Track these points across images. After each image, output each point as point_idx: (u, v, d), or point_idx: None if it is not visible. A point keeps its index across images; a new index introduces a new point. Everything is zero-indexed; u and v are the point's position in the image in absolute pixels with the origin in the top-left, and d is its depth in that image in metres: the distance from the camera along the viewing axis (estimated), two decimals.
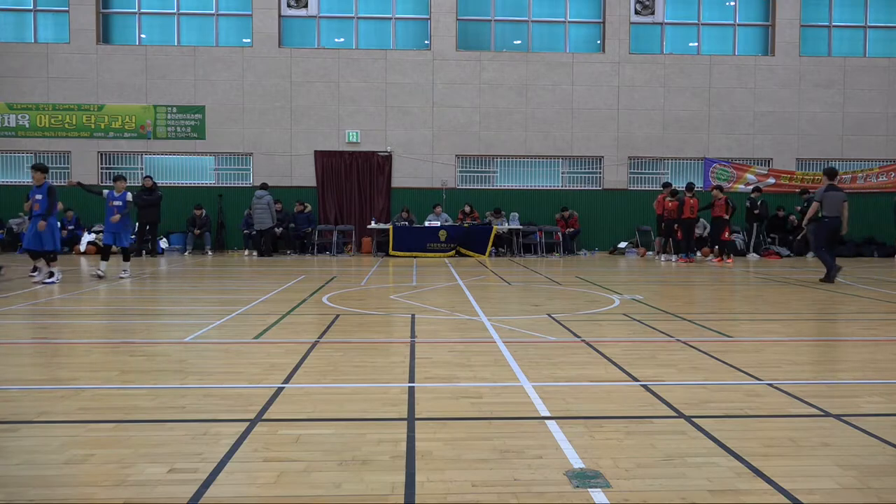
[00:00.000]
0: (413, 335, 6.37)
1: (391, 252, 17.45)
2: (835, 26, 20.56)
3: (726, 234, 16.63)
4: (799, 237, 18.89)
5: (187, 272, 13.36)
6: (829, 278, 11.51)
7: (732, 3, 20.49)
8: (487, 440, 3.43)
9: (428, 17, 19.87)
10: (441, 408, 4.00)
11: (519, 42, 20.34)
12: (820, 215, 11.72)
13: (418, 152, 19.71)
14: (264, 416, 3.79)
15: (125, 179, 12.12)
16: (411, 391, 4.35)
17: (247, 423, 3.64)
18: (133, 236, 17.63)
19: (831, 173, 11.85)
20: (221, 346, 5.92)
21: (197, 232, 18.52)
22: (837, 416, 3.83)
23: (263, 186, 17.89)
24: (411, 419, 3.75)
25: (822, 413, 3.91)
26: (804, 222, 12.44)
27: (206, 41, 19.72)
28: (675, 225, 16.81)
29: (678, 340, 6.16)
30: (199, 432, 3.50)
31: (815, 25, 20.49)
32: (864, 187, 20.27)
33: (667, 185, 17.43)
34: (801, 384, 4.59)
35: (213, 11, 19.69)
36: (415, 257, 17.15)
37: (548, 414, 3.86)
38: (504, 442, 3.39)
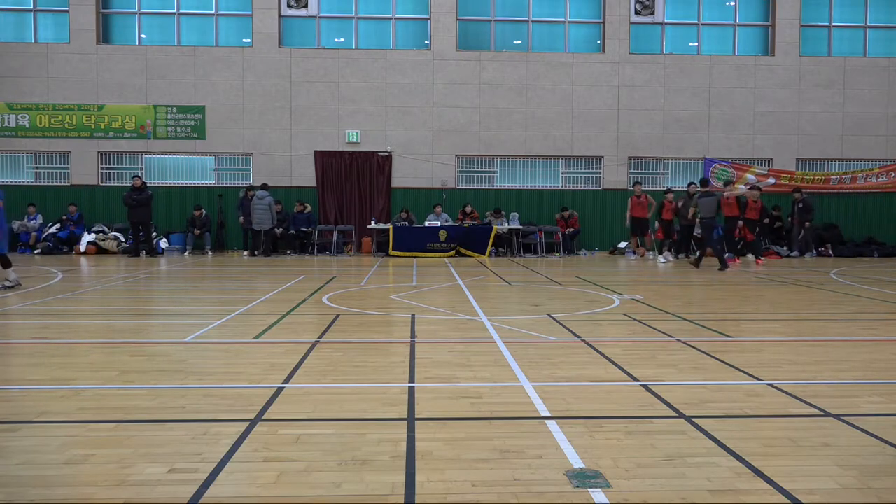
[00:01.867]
0: (413, 335, 6.37)
1: (391, 252, 17.44)
2: (835, 26, 20.55)
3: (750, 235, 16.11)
4: (800, 237, 18.92)
5: (187, 272, 13.36)
6: (697, 264, 14.53)
7: (732, 3, 20.48)
8: (487, 440, 3.43)
9: (428, 17, 19.86)
10: (441, 408, 4.00)
11: (519, 42, 20.33)
12: (699, 217, 14.60)
13: (418, 152, 19.71)
14: (264, 416, 3.79)
15: None
16: (411, 391, 4.35)
17: (247, 423, 3.64)
18: (131, 237, 17.64)
19: (704, 182, 15.26)
20: (221, 346, 5.92)
21: (197, 232, 18.52)
22: (837, 416, 3.83)
23: (264, 187, 17.92)
24: (411, 419, 3.75)
25: (822, 413, 3.92)
26: (696, 222, 14.82)
27: (206, 41, 19.72)
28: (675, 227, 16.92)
29: (678, 340, 6.17)
30: (199, 432, 3.50)
31: (815, 25, 20.48)
32: (865, 187, 20.26)
33: (637, 183, 18.09)
34: (801, 384, 4.59)
35: (213, 11, 19.69)
36: (415, 257, 17.15)
37: (548, 414, 3.86)
38: (504, 442, 3.39)
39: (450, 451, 3.27)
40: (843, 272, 13.77)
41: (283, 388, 4.41)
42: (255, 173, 19.61)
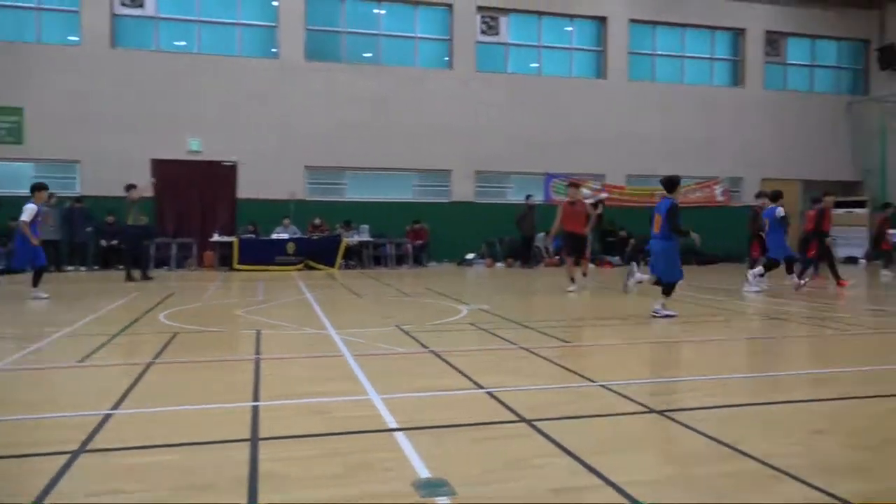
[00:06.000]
0: (258, 352, 6.14)
1: (236, 266, 16.77)
2: (658, 55, 22.52)
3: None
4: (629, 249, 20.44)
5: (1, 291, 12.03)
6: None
7: (570, 29, 21.82)
8: (336, 456, 3.38)
9: (275, 24, 19.40)
10: (288, 426, 3.89)
11: (370, 55, 20.38)
12: None
13: (266, 163, 19.09)
14: (89, 447, 3.48)
15: None
16: (256, 410, 4.19)
17: (68, 455, 3.32)
18: None
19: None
20: (39, 371, 5.38)
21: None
22: (661, 412, 4.16)
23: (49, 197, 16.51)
24: (255, 439, 3.61)
25: (648, 410, 4.23)
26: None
27: (25, 36, 17.96)
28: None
29: (521, 347, 6.42)
30: (11, 470, 3.15)
31: (641, 53, 22.30)
32: (685, 201, 22.26)
33: (573, 184, 13.43)
34: (630, 384, 4.94)
35: (34, 4, 17.99)
36: (261, 271, 16.60)
37: (396, 426, 3.87)
38: (353, 457, 3.36)
39: (297, 469, 3.19)
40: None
41: (113, 414, 4.08)
42: (83, 183, 18.08)
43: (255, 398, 4.50)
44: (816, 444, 3.65)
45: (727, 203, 22.40)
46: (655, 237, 9.10)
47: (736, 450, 3.46)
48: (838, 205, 16.27)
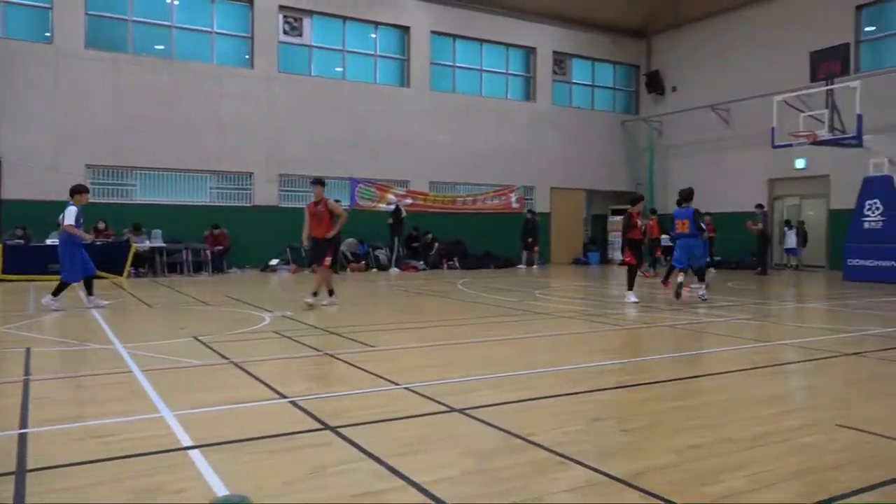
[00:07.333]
0: (28, 372, 5.47)
1: (1, 276, 14.81)
2: (458, 67, 23.49)
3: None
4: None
5: None
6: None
7: (374, 36, 22.04)
8: (121, 482, 3.10)
9: (49, 5, 17.44)
10: (63, 453, 3.50)
11: (162, 48, 19.04)
12: None
13: (38, 159, 17.08)
14: None
15: None
16: (23, 438, 3.72)
17: None
18: None
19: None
20: None
21: None
22: (460, 410, 4.33)
23: None
24: (21, 472, 3.20)
25: (449, 409, 4.39)
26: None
27: None
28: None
29: (326, 354, 6.36)
30: None
31: (442, 64, 23.13)
32: (484, 208, 23.45)
33: (317, 182, 10.80)
34: (432, 384, 5.08)
35: None
36: (33, 280, 14.81)
37: (191, 443, 3.64)
38: (140, 481, 3.11)
39: (74, 500, 2.88)
40: (468, 282, 15.73)
41: None
42: None
43: (23, 425, 4.00)
44: (596, 431, 4.02)
45: (521, 210, 23.93)
46: (684, 236, 11.51)
47: (529, 441, 3.70)
48: (616, 213, 18.33)
